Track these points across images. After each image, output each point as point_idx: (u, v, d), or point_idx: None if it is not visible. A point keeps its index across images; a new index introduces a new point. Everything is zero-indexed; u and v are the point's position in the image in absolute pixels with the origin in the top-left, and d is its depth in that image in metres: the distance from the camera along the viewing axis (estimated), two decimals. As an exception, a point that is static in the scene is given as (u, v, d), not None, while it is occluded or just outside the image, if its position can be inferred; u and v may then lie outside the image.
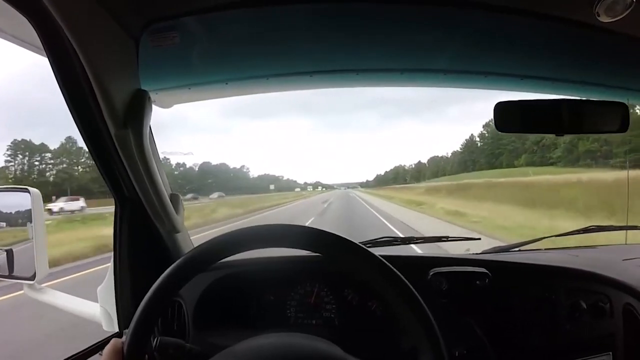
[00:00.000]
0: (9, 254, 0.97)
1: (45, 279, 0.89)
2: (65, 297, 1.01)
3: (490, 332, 0.79)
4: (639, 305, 0.80)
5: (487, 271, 0.83)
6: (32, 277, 0.89)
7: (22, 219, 0.92)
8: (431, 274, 0.84)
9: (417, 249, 2.91)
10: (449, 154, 57.14)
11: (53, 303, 0.99)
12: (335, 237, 0.49)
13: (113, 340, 0.47)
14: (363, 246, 0.49)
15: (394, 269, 0.48)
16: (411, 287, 0.47)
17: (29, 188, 0.91)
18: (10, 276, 0.94)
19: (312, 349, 0.49)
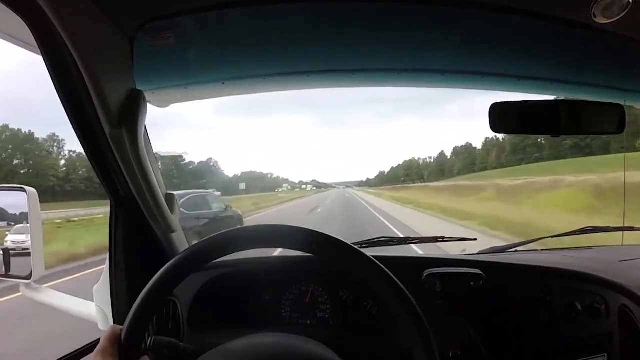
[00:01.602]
0: (6, 253, 0.97)
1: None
2: (62, 297, 1.01)
3: (485, 333, 0.79)
4: (634, 306, 0.80)
5: (481, 272, 0.83)
6: (29, 277, 0.89)
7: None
8: (425, 274, 0.84)
9: (418, 250, 2.91)
10: (482, 143, 44.30)
11: (49, 303, 0.99)
12: (328, 237, 0.49)
13: (111, 326, 0.47)
14: (355, 247, 0.49)
15: (386, 270, 0.48)
16: (403, 287, 0.47)
17: (25, 187, 0.91)
18: (7, 275, 0.95)
19: (307, 352, 0.49)
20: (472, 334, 0.78)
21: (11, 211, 0.97)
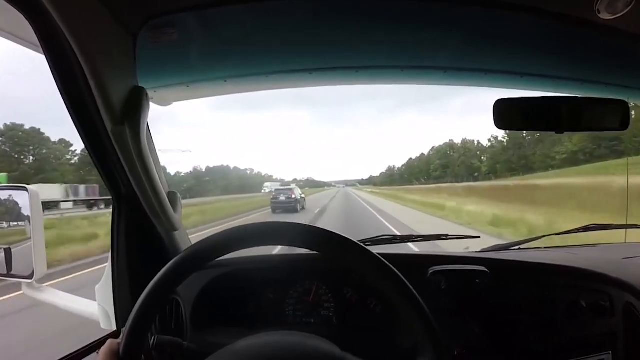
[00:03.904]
0: (7, 252, 0.96)
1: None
2: (64, 296, 1.01)
3: (490, 331, 0.79)
4: (639, 304, 0.80)
5: (486, 269, 0.82)
6: (31, 276, 0.89)
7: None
8: (430, 272, 0.83)
9: (415, 248, 2.90)
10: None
11: (51, 302, 0.98)
12: (334, 235, 0.48)
13: (109, 341, 0.47)
14: (361, 244, 0.48)
15: (392, 267, 0.47)
16: (409, 285, 0.47)
17: (27, 186, 0.90)
18: (9, 275, 0.94)
19: (311, 348, 0.49)
20: (477, 331, 0.78)
21: (25, 212, 0.97)
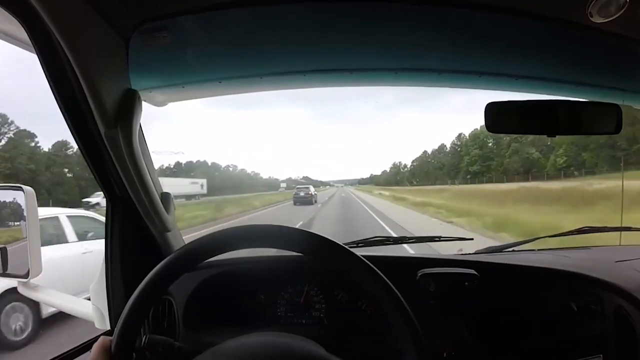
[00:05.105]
0: (3, 252, 0.97)
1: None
2: (59, 295, 1.02)
3: (480, 333, 0.79)
4: (630, 307, 0.80)
5: (475, 272, 0.83)
6: (26, 275, 0.90)
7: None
8: (419, 274, 0.84)
9: (409, 249, 2.91)
10: None
11: (46, 301, 0.99)
12: (318, 237, 0.49)
13: (101, 338, 0.48)
14: (345, 246, 0.49)
15: (376, 269, 0.48)
16: (392, 286, 0.47)
17: (23, 186, 0.91)
18: (5, 274, 0.95)
19: (298, 349, 0.50)
20: (466, 333, 0.78)
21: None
